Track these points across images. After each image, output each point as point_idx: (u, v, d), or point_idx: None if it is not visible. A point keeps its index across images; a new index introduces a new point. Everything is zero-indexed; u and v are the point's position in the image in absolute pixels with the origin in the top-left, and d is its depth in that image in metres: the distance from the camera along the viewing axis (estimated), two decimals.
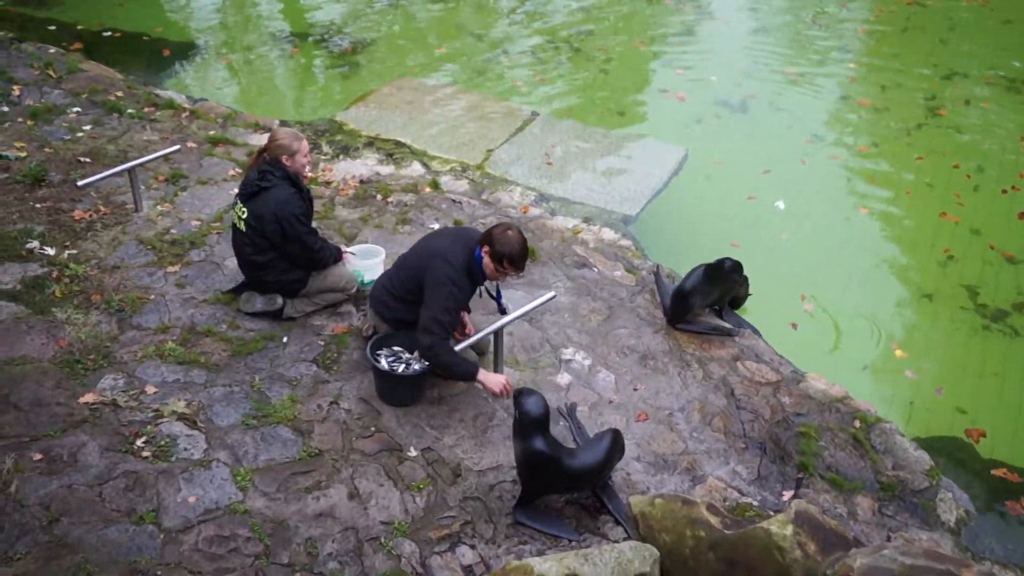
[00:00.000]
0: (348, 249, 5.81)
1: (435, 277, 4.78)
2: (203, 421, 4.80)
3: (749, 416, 5.32)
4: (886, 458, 5.10)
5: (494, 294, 5.30)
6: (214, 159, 7.35)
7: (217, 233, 6.36)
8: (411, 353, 5.04)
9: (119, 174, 6.37)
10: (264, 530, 4.25)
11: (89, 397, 4.83)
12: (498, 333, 5.16)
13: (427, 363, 4.98)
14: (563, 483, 4.51)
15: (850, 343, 6.39)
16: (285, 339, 5.47)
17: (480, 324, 5.34)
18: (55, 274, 5.74)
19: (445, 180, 7.42)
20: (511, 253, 4.68)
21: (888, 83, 9.75)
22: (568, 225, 6.97)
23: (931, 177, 8.16)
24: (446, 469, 4.75)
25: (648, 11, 11.44)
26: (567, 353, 5.62)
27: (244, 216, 5.29)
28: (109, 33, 10.02)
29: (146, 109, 8.03)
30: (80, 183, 6.21)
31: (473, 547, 4.38)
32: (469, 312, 5.39)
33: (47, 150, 7.17)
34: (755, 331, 6.05)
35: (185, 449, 4.61)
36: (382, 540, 4.32)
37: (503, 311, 5.25)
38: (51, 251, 5.97)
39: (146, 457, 4.52)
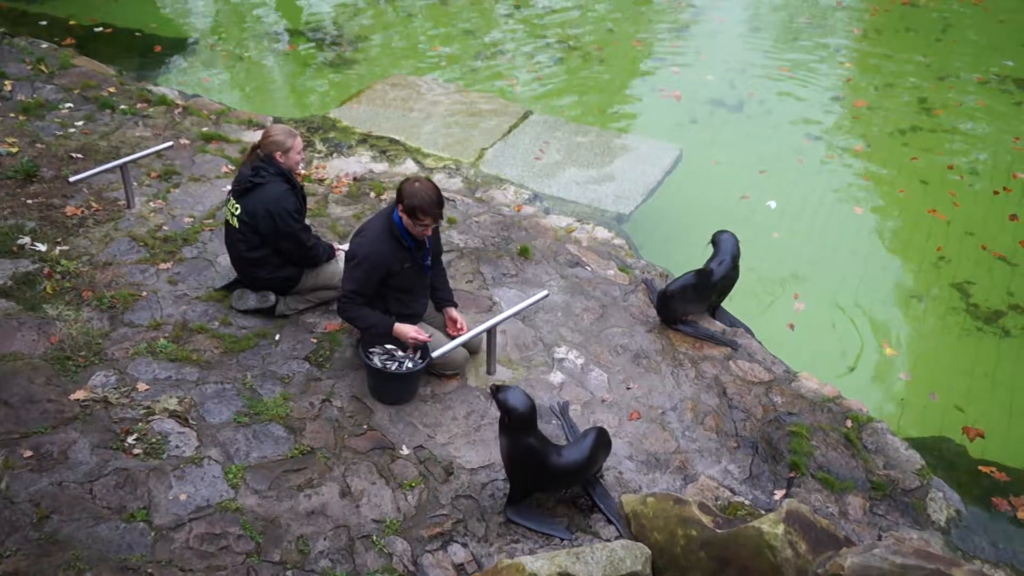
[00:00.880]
0: (341, 247, 5.80)
1: (354, 251, 4.92)
2: (195, 418, 4.79)
3: (741, 415, 5.33)
4: (877, 457, 5.12)
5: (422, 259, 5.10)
6: (207, 156, 7.33)
7: (210, 230, 6.34)
8: (404, 351, 5.04)
9: (111, 170, 6.35)
10: (256, 528, 4.25)
11: (80, 394, 4.81)
12: (491, 331, 5.16)
13: (420, 361, 4.98)
14: (550, 481, 4.50)
15: (842, 342, 6.41)
16: (277, 336, 5.46)
17: (473, 323, 5.34)
18: (46, 270, 5.72)
19: (439, 178, 7.41)
20: (421, 203, 4.73)
21: (882, 83, 9.78)
22: (562, 224, 6.97)
23: (925, 177, 8.18)
24: (438, 467, 4.74)
25: (643, 10, 11.44)
26: (560, 352, 5.62)
27: (237, 212, 5.28)
28: (100, 29, 9.98)
29: (139, 105, 8.00)
30: (72, 179, 6.19)
31: (465, 545, 4.38)
32: (457, 308, 5.37)
33: (39, 146, 7.14)
34: (748, 330, 6.05)
35: (176, 446, 4.60)
36: (374, 538, 4.32)
37: (426, 269, 5.13)
38: (42, 247, 5.94)
39: (137, 454, 4.51)
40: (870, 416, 5.42)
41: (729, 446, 5.14)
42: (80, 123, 7.60)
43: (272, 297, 5.55)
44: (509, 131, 8.25)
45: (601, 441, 4.60)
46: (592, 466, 4.58)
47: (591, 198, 7.39)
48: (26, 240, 5.98)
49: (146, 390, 4.92)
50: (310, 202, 6.81)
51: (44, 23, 9.99)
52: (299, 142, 5.35)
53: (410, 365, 4.97)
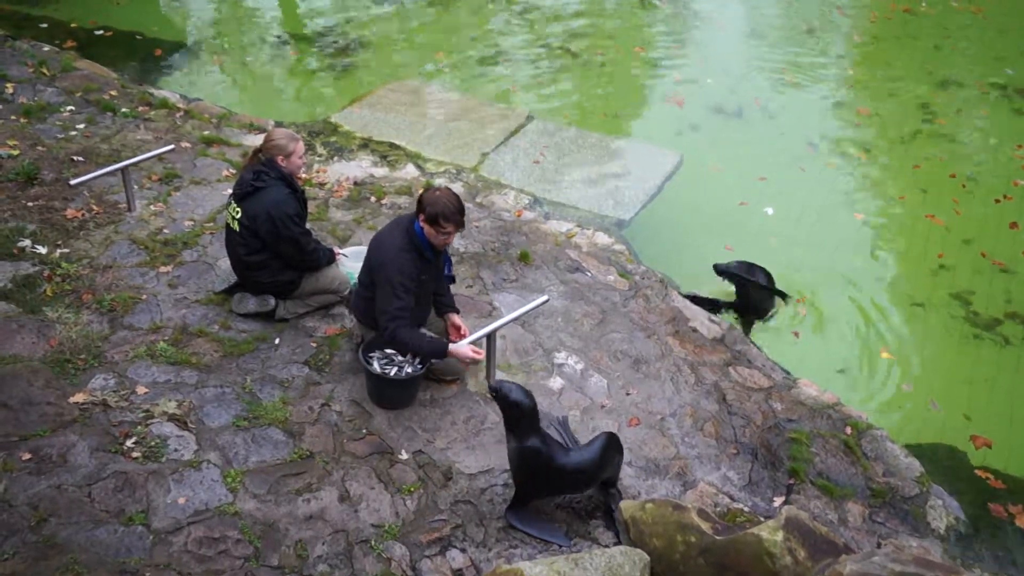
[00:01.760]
0: (341, 251, 5.81)
1: (379, 268, 4.82)
2: (194, 422, 4.78)
3: (741, 422, 5.33)
4: (877, 465, 5.12)
5: (443, 268, 5.16)
6: (208, 159, 7.34)
7: (210, 233, 6.34)
8: (403, 356, 5.03)
9: (112, 173, 6.35)
10: (254, 532, 4.24)
11: (79, 397, 4.81)
12: (491, 336, 5.16)
13: (420, 366, 4.98)
14: (557, 482, 4.48)
15: (840, 348, 6.41)
16: (277, 340, 5.46)
17: (473, 327, 5.34)
18: (46, 273, 5.72)
19: (439, 182, 7.41)
20: (444, 210, 4.68)
21: (883, 91, 9.79)
22: (562, 229, 6.98)
23: (925, 185, 8.19)
24: (437, 472, 4.74)
25: (644, 16, 11.46)
26: (560, 357, 5.62)
27: (238, 216, 5.28)
28: (101, 32, 9.99)
29: (140, 108, 8.00)
30: (73, 182, 6.19)
31: (464, 551, 4.37)
32: (451, 303, 5.33)
33: (40, 148, 7.14)
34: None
35: (175, 450, 4.60)
36: (372, 543, 4.31)
37: (452, 279, 5.18)
38: (43, 250, 5.94)
39: (136, 458, 4.50)
40: (869, 423, 5.42)
41: (728, 452, 5.14)
42: (81, 126, 7.60)
43: (272, 301, 5.54)
44: (510, 136, 8.26)
45: (611, 445, 4.55)
46: (602, 470, 4.53)
47: (591, 203, 7.40)
48: (26, 243, 5.98)
49: (145, 393, 4.91)
50: (311, 206, 6.81)
51: (45, 26, 10.00)
52: (301, 146, 5.36)
53: (409, 370, 4.97)
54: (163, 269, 5.93)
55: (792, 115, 9.28)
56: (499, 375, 5.36)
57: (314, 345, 5.45)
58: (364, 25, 10.83)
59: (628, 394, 5.41)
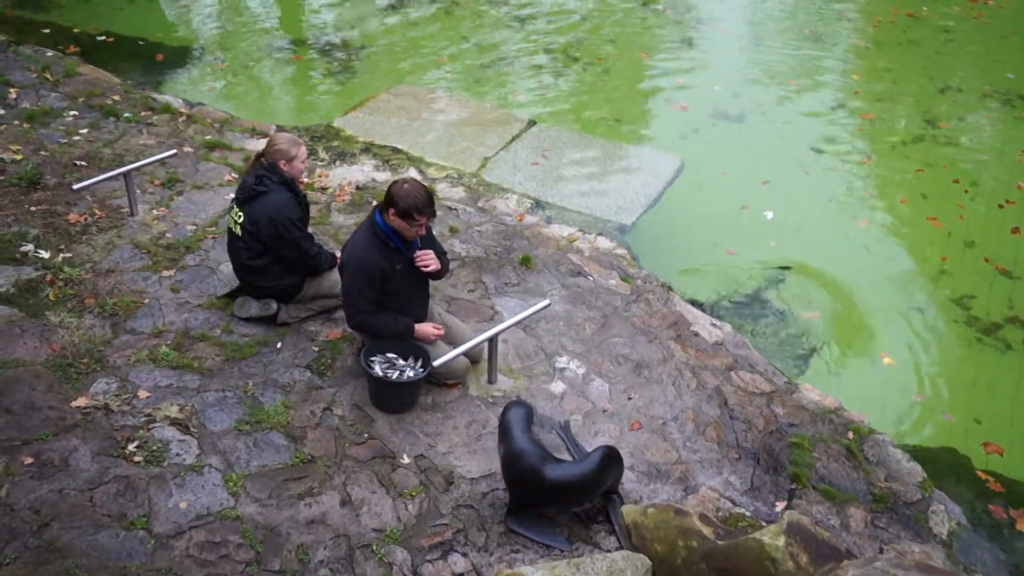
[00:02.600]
0: None
1: (346, 269, 4.93)
2: (196, 426, 4.79)
3: (742, 426, 5.32)
4: (879, 469, 5.11)
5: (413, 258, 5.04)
6: (210, 164, 7.35)
7: (212, 238, 6.35)
8: (405, 360, 5.04)
9: (115, 178, 6.36)
10: (256, 536, 4.24)
11: (81, 401, 4.82)
12: (492, 341, 5.16)
13: (422, 370, 4.98)
14: (547, 496, 4.43)
15: (843, 353, 6.41)
16: (279, 344, 5.46)
17: (475, 332, 5.34)
18: (49, 277, 5.73)
19: (441, 187, 7.42)
20: (416, 204, 4.71)
21: (885, 96, 9.78)
22: (564, 233, 6.98)
23: (928, 189, 8.18)
24: (439, 476, 4.74)
25: (646, 21, 11.47)
26: (561, 361, 5.62)
27: (240, 220, 5.29)
28: (104, 37, 10.02)
29: (143, 113, 8.02)
30: (76, 186, 6.21)
31: (465, 555, 4.37)
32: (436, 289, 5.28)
33: (43, 153, 7.16)
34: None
35: (177, 454, 4.60)
36: (374, 547, 4.31)
37: (411, 261, 5.04)
38: (45, 254, 5.95)
39: (138, 462, 4.51)
40: (871, 428, 5.41)
41: (730, 457, 5.13)
42: (84, 131, 7.62)
43: (274, 305, 5.55)
44: (512, 141, 8.26)
45: (609, 460, 4.49)
46: (597, 485, 4.49)
47: (593, 208, 7.40)
48: (29, 247, 5.99)
49: (147, 397, 4.92)
50: (313, 210, 6.81)
51: (47, 31, 10.02)
52: (303, 151, 5.37)
53: (411, 374, 4.97)
54: (165, 273, 5.94)
55: (794, 120, 9.28)
56: (500, 379, 5.37)
57: (316, 349, 5.45)
58: (366, 30, 10.85)
59: (630, 398, 5.41)
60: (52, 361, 5.07)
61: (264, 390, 5.10)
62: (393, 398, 5.05)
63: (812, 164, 8.53)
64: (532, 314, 5.37)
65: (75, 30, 10.13)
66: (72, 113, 7.87)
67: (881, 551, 4.62)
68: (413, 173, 7.63)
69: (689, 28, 11.24)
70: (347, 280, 4.91)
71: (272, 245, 5.29)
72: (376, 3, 11.55)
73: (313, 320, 5.67)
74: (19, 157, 7.02)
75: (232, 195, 5.67)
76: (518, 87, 9.66)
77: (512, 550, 4.41)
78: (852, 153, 8.79)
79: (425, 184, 4.84)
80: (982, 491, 5.35)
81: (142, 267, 5.98)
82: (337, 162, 7.72)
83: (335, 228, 6.65)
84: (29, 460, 4.41)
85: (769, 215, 7.72)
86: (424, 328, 5.05)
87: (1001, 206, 7.98)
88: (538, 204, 7.40)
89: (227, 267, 5.80)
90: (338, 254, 5.73)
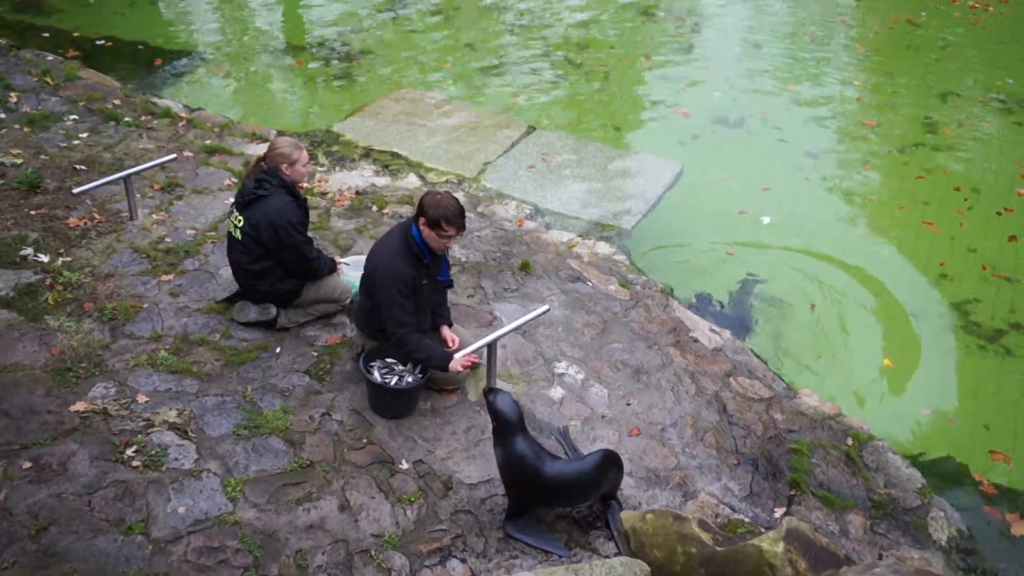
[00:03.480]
0: (343, 260, 5.81)
1: (376, 275, 4.82)
2: (194, 431, 4.78)
3: (741, 432, 5.32)
4: (878, 476, 5.10)
5: (440, 276, 5.08)
6: (210, 168, 7.35)
7: (212, 242, 6.35)
8: (404, 365, 5.03)
9: (115, 182, 6.37)
10: (254, 541, 4.23)
11: (80, 405, 4.81)
12: (491, 346, 5.16)
13: (420, 376, 4.98)
14: (545, 492, 4.45)
15: (842, 359, 6.41)
16: (278, 349, 5.46)
17: (473, 337, 5.34)
18: (48, 281, 5.73)
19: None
20: (445, 214, 4.66)
21: (884, 102, 9.80)
22: (563, 239, 6.98)
23: (928, 196, 8.18)
24: (438, 482, 4.73)
25: (646, 27, 11.49)
26: (560, 367, 5.62)
27: (240, 224, 5.29)
28: (103, 42, 10.03)
29: (143, 117, 8.03)
30: (75, 191, 6.21)
31: (464, 561, 4.36)
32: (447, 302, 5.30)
33: (43, 157, 7.17)
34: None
35: (176, 459, 4.59)
36: (372, 553, 4.31)
37: (449, 284, 5.13)
38: (45, 258, 5.96)
39: (136, 466, 4.50)
40: (871, 434, 5.41)
41: (729, 463, 5.13)
42: (84, 135, 7.63)
43: (273, 310, 5.55)
44: (511, 146, 8.27)
45: (607, 462, 4.51)
46: (596, 486, 4.51)
47: (593, 213, 7.41)
48: (29, 251, 5.99)
49: (146, 402, 4.92)
50: (312, 215, 6.82)
51: (47, 35, 10.04)
52: (305, 155, 5.36)
53: (410, 379, 4.97)
54: (165, 278, 5.94)
55: (794, 125, 9.29)
56: (500, 384, 5.36)
57: (315, 354, 5.45)
58: (366, 35, 10.87)
59: (629, 404, 5.41)
60: (51, 365, 5.07)
61: (263, 395, 5.10)
62: (392, 403, 5.05)
63: (812, 170, 8.53)
64: (531, 319, 5.37)
65: (75, 34, 10.15)
66: (72, 117, 7.88)
67: (880, 557, 4.61)
68: (413, 178, 7.63)
69: (689, 34, 11.26)
70: (384, 293, 4.77)
71: (272, 249, 5.29)
72: (377, 8, 11.58)
73: (312, 325, 5.67)
74: (19, 161, 7.03)
75: (232, 200, 5.68)
76: (518, 93, 9.68)
77: (510, 556, 4.41)
78: (852, 159, 8.79)
79: (457, 199, 4.78)
80: (984, 498, 5.34)
81: (141, 271, 5.99)
82: (337, 167, 7.72)
83: (335, 233, 6.66)
84: (27, 464, 4.41)
85: (766, 220, 7.73)
86: (456, 364, 4.91)
87: (1000, 213, 7.98)
88: (537, 209, 7.40)
89: (226, 271, 5.80)
90: (338, 259, 5.75)
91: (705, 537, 4.19)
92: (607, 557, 4.39)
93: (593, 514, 4.69)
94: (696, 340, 6.03)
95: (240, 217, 5.29)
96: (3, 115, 7.77)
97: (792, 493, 4.94)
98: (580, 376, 5.57)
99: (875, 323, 6.74)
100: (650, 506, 4.76)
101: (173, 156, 6.88)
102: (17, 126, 7.60)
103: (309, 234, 5.54)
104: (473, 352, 5.12)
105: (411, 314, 4.83)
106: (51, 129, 7.65)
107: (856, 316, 6.78)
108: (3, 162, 6.98)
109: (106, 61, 9.54)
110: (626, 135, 9.06)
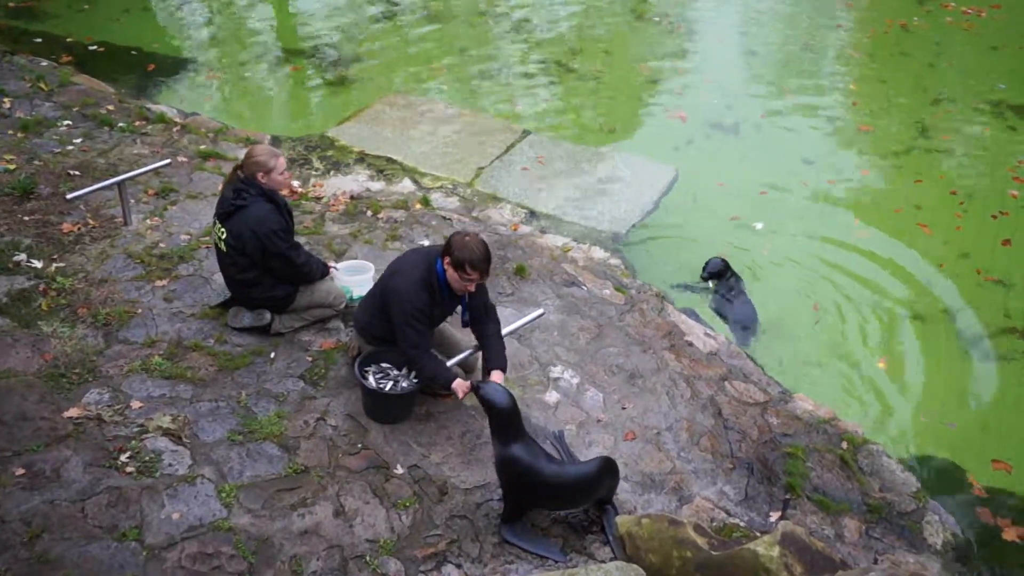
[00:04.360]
0: (335, 265, 5.80)
1: (391, 297, 4.81)
2: (188, 436, 4.77)
3: (737, 436, 5.32)
4: (873, 480, 5.11)
5: (459, 311, 5.09)
6: (204, 173, 7.35)
7: (206, 247, 6.34)
8: (399, 370, 5.03)
9: (108, 187, 6.35)
10: (248, 547, 4.22)
11: (73, 411, 4.79)
12: None
13: (415, 381, 4.97)
14: (541, 493, 4.43)
15: (836, 362, 6.42)
16: (272, 355, 5.44)
17: (469, 341, 5.33)
18: (42, 287, 5.71)
19: (435, 197, 7.43)
20: (471, 258, 4.64)
21: (878, 107, 9.82)
22: (558, 243, 6.98)
23: (922, 200, 8.20)
24: (433, 487, 4.72)
25: (640, 32, 11.51)
26: (555, 371, 5.61)
27: (224, 236, 5.24)
28: (96, 47, 10.02)
29: (137, 123, 8.02)
30: (69, 196, 6.20)
31: (459, 566, 4.35)
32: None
33: (37, 163, 7.15)
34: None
35: (170, 465, 4.58)
36: (367, 558, 4.29)
37: (465, 324, 5.09)
38: (38, 264, 5.94)
39: (130, 473, 4.48)
40: (866, 438, 5.42)
41: (725, 467, 5.13)
42: (78, 140, 7.61)
43: (268, 315, 5.54)
44: (506, 151, 8.28)
45: (606, 468, 4.52)
46: (592, 491, 4.51)
47: (587, 218, 7.41)
48: (22, 257, 5.98)
49: (140, 408, 4.90)
50: (307, 220, 6.82)
51: (40, 41, 10.01)
52: (282, 162, 5.29)
53: (405, 384, 4.96)
54: (159, 283, 5.93)
55: (789, 130, 9.31)
56: None
57: (309, 359, 5.44)
58: (361, 40, 10.87)
59: (624, 408, 5.41)
60: (44, 371, 5.05)
61: (257, 400, 5.09)
62: (387, 408, 5.04)
63: (808, 175, 8.55)
64: (526, 324, 5.37)
65: (69, 40, 10.14)
66: (66, 123, 7.87)
67: (876, 561, 4.61)
68: (407, 183, 7.63)
69: (683, 39, 11.28)
70: (400, 318, 4.77)
71: (258, 258, 5.24)
72: (371, 14, 11.59)
73: (307, 330, 5.66)
74: (13, 167, 7.01)
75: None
76: (513, 97, 9.68)
77: (506, 561, 4.40)
78: (847, 164, 8.81)
79: (486, 243, 4.75)
80: (978, 502, 5.35)
81: (135, 277, 5.97)
82: (331, 172, 7.72)
83: (329, 238, 6.65)
84: (20, 471, 4.38)
85: (759, 225, 7.74)
86: (458, 386, 4.88)
87: (995, 216, 8.00)
88: (532, 214, 7.41)
89: (220, 277, 5.78)
90: (331, 263, 5.74)
91: (701, 541, 4.18)
92: (603, 562, 4.38)
93: (589, 519, 4.69)
94: (691, 344, 6.03)
95: (223, 229, 5.23)
96: None
97: (788, 497, 4.94)
98: (575, 380, 5.57)
99: (870, 327, 6.75)
100: (646, 510, 4.75)
101: (167, 161, 6.87)
102: (10, 132, 7.58)
103: (303, 239, 5.53)
104: (468, 357, 5.11)
105: (425, 337, 4.85)
106: (45, 135, 7.64)
107: (851, 320, 6.79)
108: None
109: (100, 66, 9.53)
110: (621, 139, 9.07)
